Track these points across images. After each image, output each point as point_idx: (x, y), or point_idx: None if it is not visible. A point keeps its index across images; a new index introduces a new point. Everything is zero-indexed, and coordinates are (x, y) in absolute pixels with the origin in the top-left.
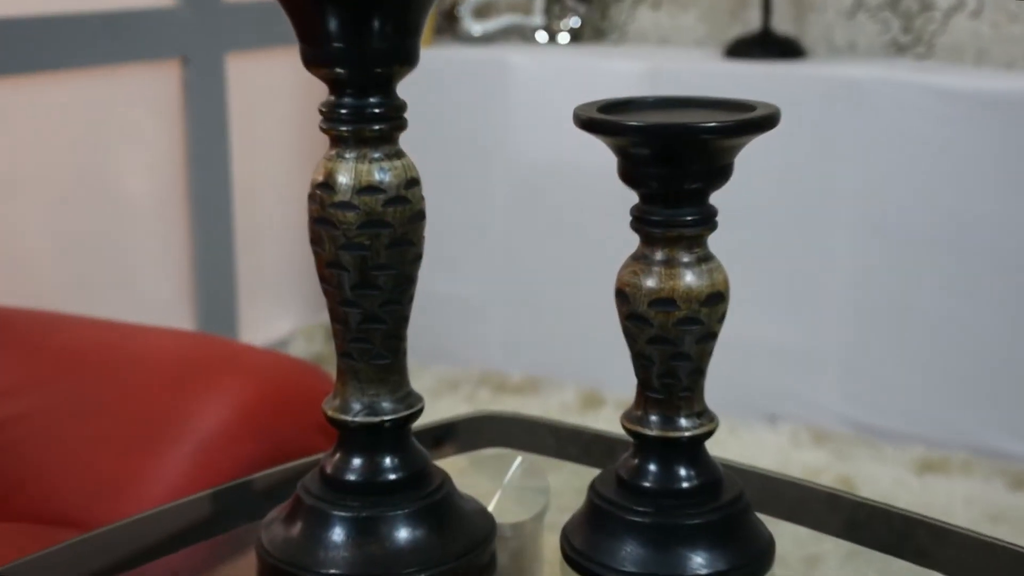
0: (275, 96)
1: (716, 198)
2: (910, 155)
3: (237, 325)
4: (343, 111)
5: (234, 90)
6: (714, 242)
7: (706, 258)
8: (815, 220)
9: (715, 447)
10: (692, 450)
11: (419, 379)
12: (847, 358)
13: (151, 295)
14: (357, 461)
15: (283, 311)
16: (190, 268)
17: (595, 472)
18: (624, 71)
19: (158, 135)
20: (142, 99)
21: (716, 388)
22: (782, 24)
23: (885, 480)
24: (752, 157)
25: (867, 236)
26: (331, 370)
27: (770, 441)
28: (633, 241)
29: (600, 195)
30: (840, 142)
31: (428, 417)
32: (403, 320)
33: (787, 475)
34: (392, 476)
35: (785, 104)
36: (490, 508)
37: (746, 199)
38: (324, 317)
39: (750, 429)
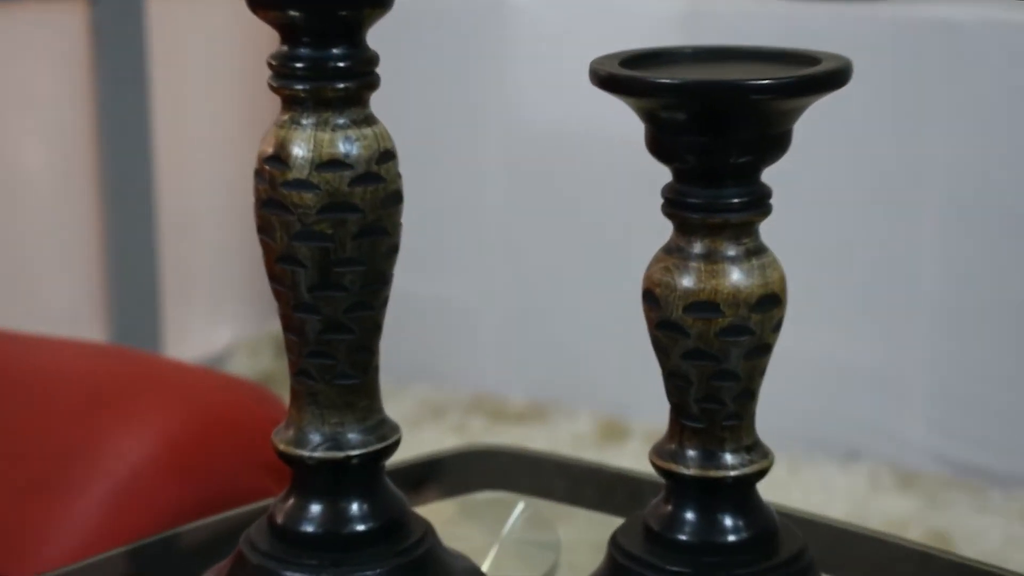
0: (211, 46)
1: (769, 176)
2: (1021, 120)
3: (161, 336)
4: (298, 65)
5: (157, 38)
6: (767, 232)
7: (757, 251)
8: (896, 204)
9: (770, 490)
10: (740, 494)
11: (395, 404)
12: (939, 379)
13: (52, 299)
14: (316, 508)
15: (220, 318)
16: (101, 264)
17: (617, 522)
18: (654, 14)
19: (58, 95)
20: (37, 49)
21: (770, 416)
22: None
23: (991, 535)
24: (815, 123)
25: (964, 225)
26: (283, 393)
27: (842, 484)
28: (664, 230)
29: (623, 172)
30: (930, 104)
31: (406, 451)
32: (375, 329)
33: (864, 527)
34: (361, 526)
35: (858, 55)
36: (484, 567)
37: (807, 177)
38: (273, 326)
39: (816, 468)
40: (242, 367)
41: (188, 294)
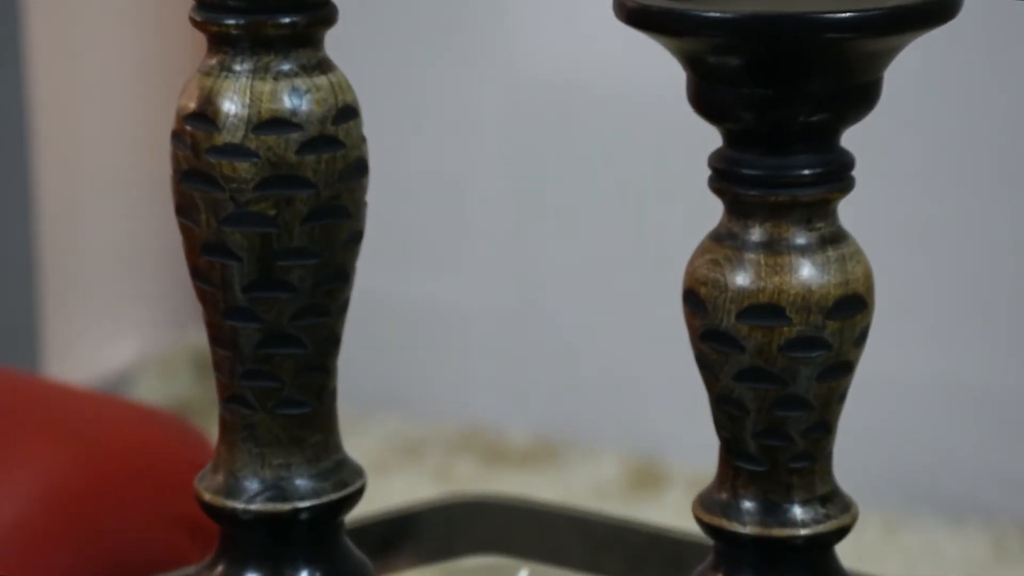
0: None
1: (851, 140)
2: None
3: (41, 352)
4: None
5: None
6: (845, 214)
7: (835, 239)
8: (1020, 177)
9: (856, 557)
10: (813, 559)
11: (358, 440)
12: None
13: None
14: None
15: (120, 328)
16: None
17: None
18: None
19: None
20: None
21: (855, 458)
22: None
23: None
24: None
25: None
26: (208, 426)
27: (954, 549)
28: (710, 211)
29: (657, 137)
30: None
31: (373, 503)
32: (331, 341)
33: None
34: None
35: None
36: None
37: (900, 142)
38: (193, 337)
39: (919, 528)
40: (151, 392)
41: (76, 297)
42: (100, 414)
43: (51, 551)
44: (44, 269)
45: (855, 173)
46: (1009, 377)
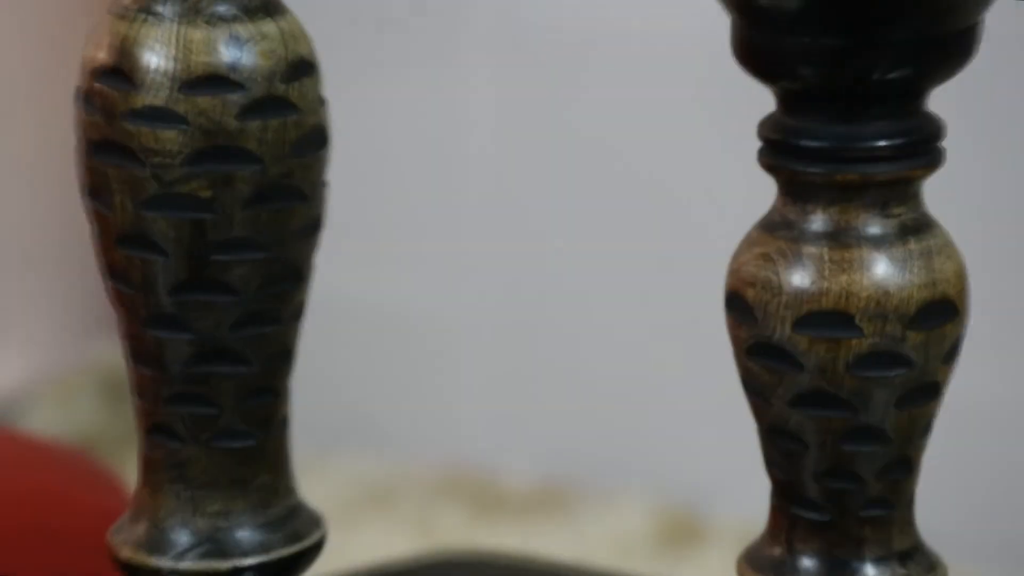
0: None
1: (939, 104)
2: None
3: None
4: None
5: None
6: (934, 199)
7: (918, 228)
8: None
9: None
10: None
11: (318, 482)
12: None
13: None
14: None
15: (10, 341)
16: None
17: None
18: None
19: None
20: None
21: (946, 506)
22: None
23: None
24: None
25: None
26: (123, 464)
27: None
28: (761, 193)
29: (691, 99)
30: None
31: (336, 560)
32: (282, 358)
33: None
34: None
35: None
36: None
37: (1003, 106)
38: (103, 352)
39: None
40: (49, 420)
41: None
42: None
43: None
44: None
45: (946, 145)
46: None
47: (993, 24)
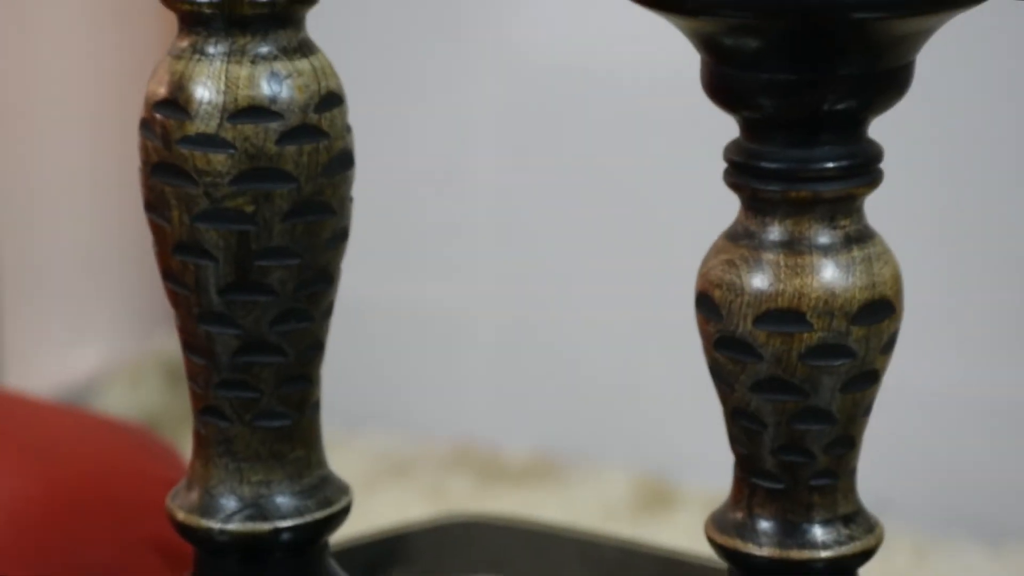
0: None
1: (879, 131)
2: None
3: None
4: None
5: None
6: (873, 212)
7: (861, 238)
8: None
9: None
10: None
11: (345, 456)
12: None
13: None
14: None
15: (85, 333)
16: None
17: None
18: None
19: None
20: None
21: (880, 475)
22: None
23: None
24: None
25: None
26: (179, 440)
27: (990, 574)
28: (725, 207)
29: (668, 126)
30: None
31: (359, 523)
32: (314, 349)
33: None
34: None
35: None
36: None
37: (934, 131)
38: (163, 344)
39: (953, 552)
40: (117, 403)
41: (35, 301)
42: (62, 427)
43: (11, 573)
44: (1, 272)
45: (883, 166)
46: None
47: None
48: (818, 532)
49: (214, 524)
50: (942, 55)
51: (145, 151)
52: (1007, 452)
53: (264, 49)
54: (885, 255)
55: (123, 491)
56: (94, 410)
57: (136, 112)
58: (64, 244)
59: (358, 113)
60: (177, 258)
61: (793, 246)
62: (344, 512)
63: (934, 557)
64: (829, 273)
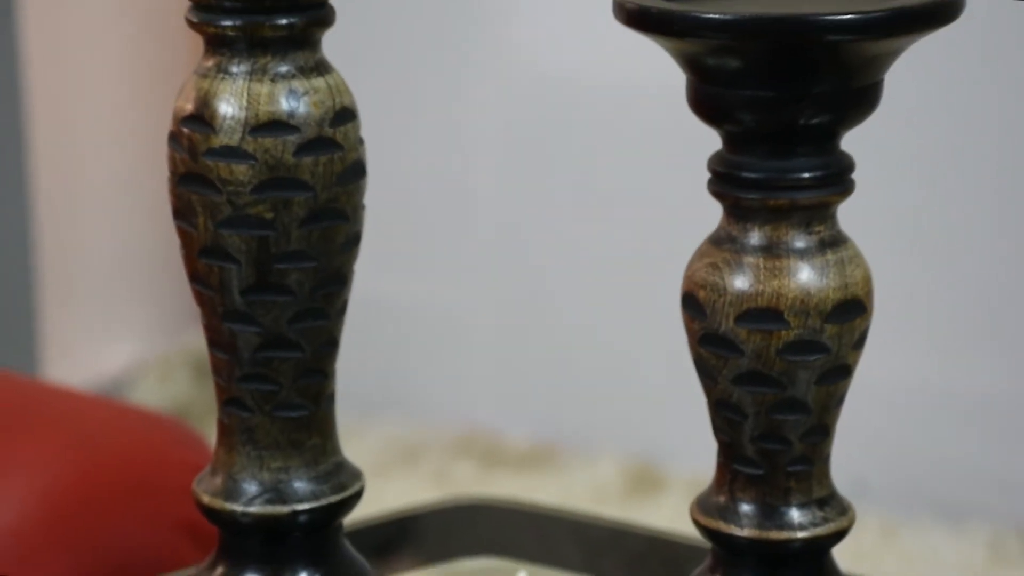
0: None
1: (851, 143)
2: None
3: (39, 353)
4: None
5: None
6: (844, 218)
7: (834, 242)
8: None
9: (855, 562)
10: (811, 562)
11: (357, 443)
12: None
13: None
14: None
15: (118, 330)
16: None
17: None
18: None
19: None
20: None
21: (851, 461)
22: None
23: None
24: (913, 72)
25: None
26: (206, 429)
27: (951, 552)
28: (712, 214)
29: (656, 138)
30: None
31: (371, 506)
32: (329, 345)
33: None
34: None
35: None
36: None
37: (902, 145)
38: (191, 339)
39: (917, 531)
40: (149, 394)
41: (74, 298)
42: (98, 417)
43: (49, 556)
44: (42, 272)
45: (855, 176)
46: (1007, 382)
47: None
48: (795, 514)
49: (237, 507)
50: (908, 75)
51: (173, 162)
52: (968, 440)
53: (283, 68)
54: (857, 258)
55: (154, 477)
56: (127, 402)
57: (166, 127)
58: (101, 249)
59: (370, 126)
60: (203, 261)
61: (772, 250)
62: (357, 496)
63: (900, 536)
64: (805, 275)
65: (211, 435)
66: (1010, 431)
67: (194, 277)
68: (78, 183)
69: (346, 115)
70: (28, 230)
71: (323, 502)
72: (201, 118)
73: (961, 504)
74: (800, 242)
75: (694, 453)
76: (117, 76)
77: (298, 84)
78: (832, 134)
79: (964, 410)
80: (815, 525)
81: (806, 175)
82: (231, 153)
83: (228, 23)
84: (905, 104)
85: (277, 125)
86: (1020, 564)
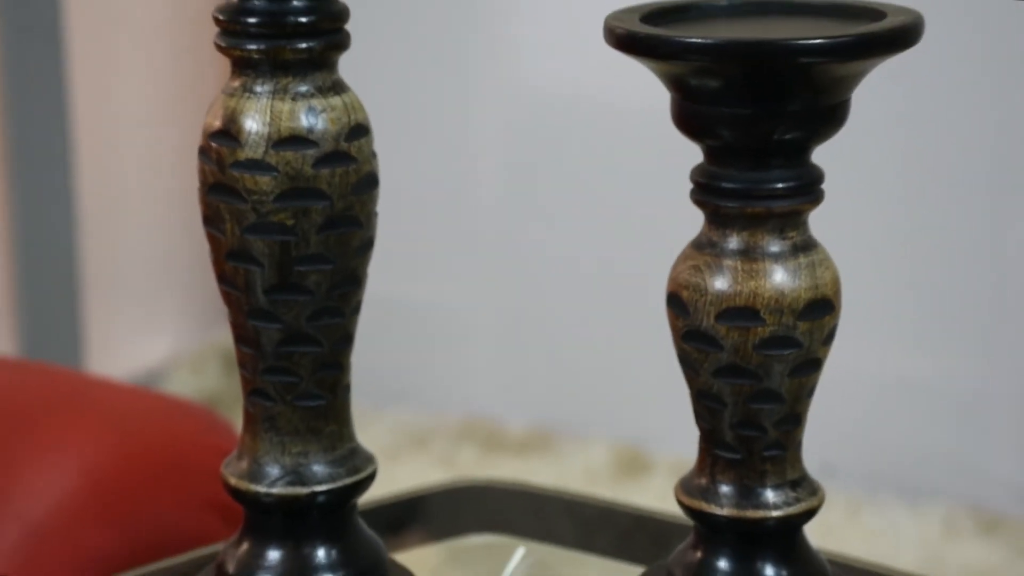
0: None
1: (820, 156)
2: None
3: (83, 348)
4: (251, 20)
5: None
6: (815, 224)
7: (806, 247)
8: (979, 192)
9: (822, 537)
10: (784, 539)
11: (370, 430)
12: None
13: None
14: (275, 555)
15: (155, 326)
16: (8, 262)
17: (636, 571)
18: None
19: None
20: None
21: (821, 446)
22: None
23: None
24: (878, 92)
25: None
26: (234, 417)
27: (911, 529)
28: (694, 221)
29: (644, 152)
30: (1020, 72)
31: (383, 487)
32: (345, 340)
33: None
34: None
35: (931, 10)
36: None
37: (866, 158)
38: (221, 335)
39: (879, 510)
40: (183, 385)
41: (115, 297)
42: (136, 406)
43: (92, 531)
44: (86, 274)
45: (824, 187)
46: (960, 374)
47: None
48: (770, 495)
49: (261, 488)
50: (873, 96)
51: (203, 174)
52: (925, 427)
53: (303, 88)
54: (826, 261)
55: (186, 459)
56: (163, 392)
57: (197, 142)
58: (139, 254)
59: (382, 141)
60: (230, 264)
61: (749, 254)
62: (370, 478)
63: (863, 514)
64: (779, 277)
65: (238, 422)
66: (963, 419)
67: (222, 278)
68: (120, 195)
69: (360, 131)
70: (74, 238)
71: (339, 484)
72: (228, 133)
73: (918, 485)
74: (775, 247)
75: (678, 439)
76: (154, 96)
77: (316, 102)
78: (804, 148)
79: (921, 401)
80: (788, 505)
81: (780, 186)
82: (255, 165)
83: (253, 47)
84: (872, 120)
85: (297, 140)
86: (971, 538)
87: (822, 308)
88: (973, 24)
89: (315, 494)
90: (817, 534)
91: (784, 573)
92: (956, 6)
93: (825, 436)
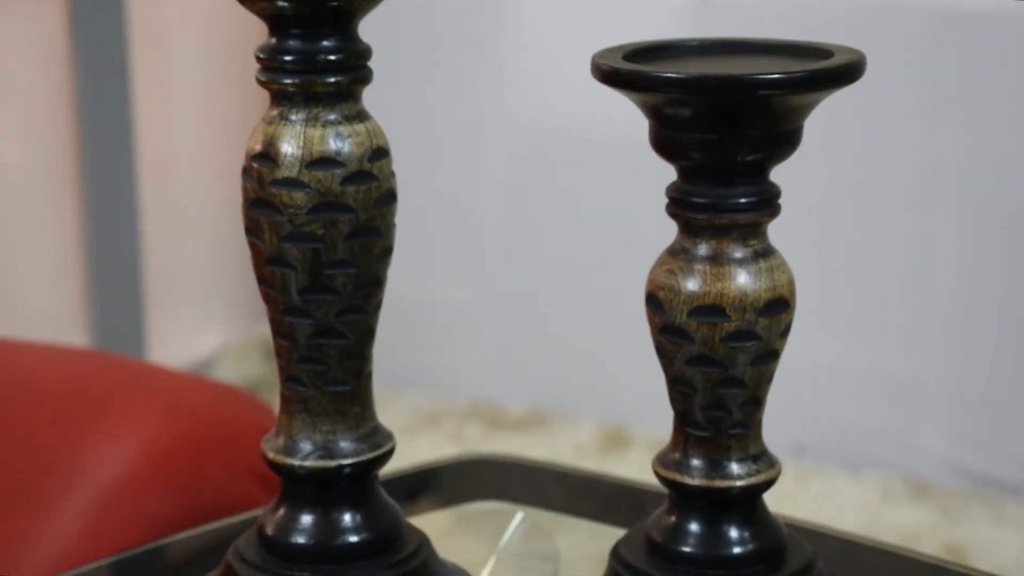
0: (195, 37)
1: (778, 175)
2: None
3: (145, 341)
4: (287, 58)
5: (139, 29)
6: (774, 233)
7: (765, 253)
8: (911, 204)
9: (778, 503)
10: (746, 505)
11: (389, 411)
12: (955, 386)
13: (29, 302)
14: (307, 519)
15: (207, 322)
16: (81, 265)
17: (619, 533)
18: (660, 4)
19: (36, 89)
20: (13, 40)
21: (778, 425)
22: None
23: (1008, 548)
24: (826, 120)
25: (982, 226)
26: (272, 400)
27: (853, 495)
28: (669, 231)
29: (627, 171)
30: (947, 100)
31: (400, 461)
32: (368, 334)
33: (875, 540)
34: (353, 538)
35: (873, 49)
36: None
37: (817, 177)
38: (262, 330)
39: (826, 479)
40: (230, 373)
41: (173, 297)
42: (190, 390)
43: (152, 495)
44: (148, 278)
45: (781, 201)
46: (892, 360)
47: None
48: (735, 467)
49: (295, 462)
50: (822, 123)
51: (245, 191)
52: (864, 407)
53: (332, 116)
54: (783, 266)
55: (232, 436)
56: (213, 378)
57: (241, 163)
58: (193, 259)
59: (400, 162)
60: (268, 268)
61: (716, 259)
62: (389, 453)
63: (810, 481)
64: (742, 279)
65: (276, 405)
66: (898, 400)
67: (262, 280)
68: (177, 210)
69: (381, 153)
70: (138, 248)
71: (363, 458)
72: (268, 156)
73: (859, 457)
74: (738, 253)
75: (655, 419)
76: (206, 124)
77: (343, 129)
78: (763, 168)
79: (861, 383)
80: (750, 476)
81: (743, 200)
82: (291, 183)
83: (289, 81)
84: (821, 143)
85: (327, 161)
86: (904, 503)
87: (779, 306)
88: (906, 62)
89: (342, 467)
90: (770, 500)
91: (746, 534)
92: (892, 48)
93: (779, 416)
